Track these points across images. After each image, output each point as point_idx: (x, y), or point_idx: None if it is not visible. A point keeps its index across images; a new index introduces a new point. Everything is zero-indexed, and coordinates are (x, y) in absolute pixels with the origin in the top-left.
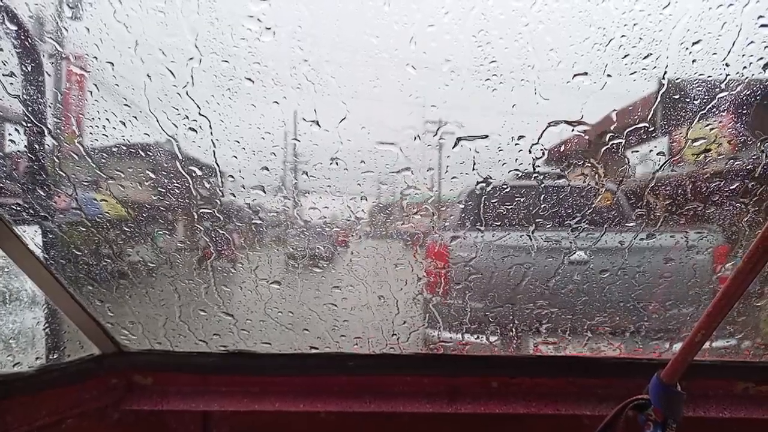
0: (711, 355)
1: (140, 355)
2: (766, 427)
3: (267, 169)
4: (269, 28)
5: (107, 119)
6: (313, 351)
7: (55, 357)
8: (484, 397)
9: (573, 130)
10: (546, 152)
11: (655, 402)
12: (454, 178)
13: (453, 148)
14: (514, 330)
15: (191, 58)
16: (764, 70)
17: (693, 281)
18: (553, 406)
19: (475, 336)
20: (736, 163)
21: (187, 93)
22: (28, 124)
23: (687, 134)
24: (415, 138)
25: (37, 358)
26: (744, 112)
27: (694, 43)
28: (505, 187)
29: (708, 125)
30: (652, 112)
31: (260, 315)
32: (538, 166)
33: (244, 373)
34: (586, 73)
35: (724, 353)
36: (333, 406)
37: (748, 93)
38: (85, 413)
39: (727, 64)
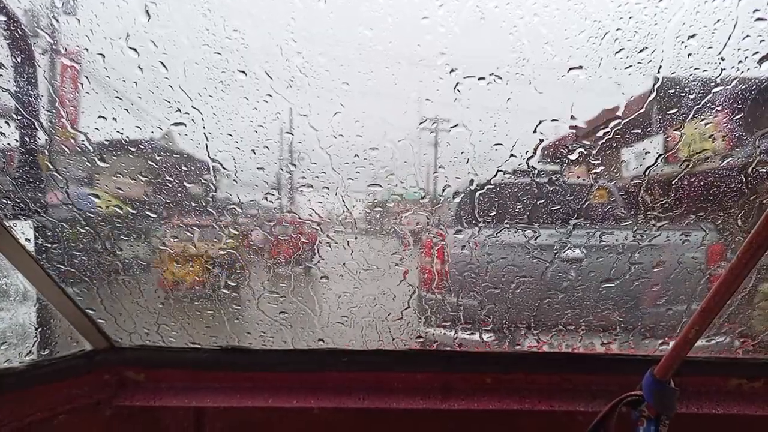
0: (704, 351)
1: (132, 350)
2: (758, 423)
3: (260, 163)
4: (262, 20)
5: (99, 112)
6: (307, 347)
7: (46, 353)
8: (477, 393)
9: (568, 125)
10: (541, 148)
11: (649, 398)
12: (448, 174)
13: (448, 143)
14: (507, 326)
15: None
16: (759, 65)
17: (687, 278)
18: (547, 402)
19: (469, 332)
20: (731, 159)
21: (179, 85)
22: (19, 117)
23: (682, 130)
24: (409, 133)
25: (28, 354)
26: (739, 107)
27: (689, 37)
28: (499, 183)
29: (703, 120)
30: (646, 107)
31: (253, 311)
32: (533, 163)
33: (236, 369)
34: (581, 67)
35: (717, 350)
36: (326, 402)
37: (743, 88)
38: (77, 409)
39: (722, 58)
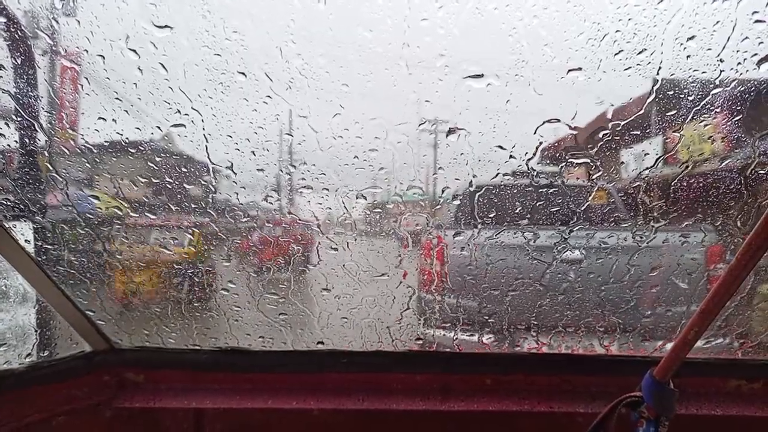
0: (703, 353)
1: (132, 352)
2: (758, 424)
3: (259, 165)
4: (262, 22)
5: (98, 113)
6: (306, 348)
7: (45, 354)
8: (477, 395)
9: (568, 127)
10: (540, 150)
11: (648, 399)
12: (448, 175)
13: (447, 145)
14: (507, 327)
15: None
16: (758, 66)
17: (686, 279)
18: (547, 403)
19: (469, 333)
20: (730, 160)
21: (179, 87)
22: (19, 119)
23: (681, 131)
24: (408, 135)
25: (27, 355)
26: (738, 109)
27: (688, 39)
28: (499, 185)
29: (702, 122)
30: (646, 109)
31: (253, 312)
32: (533, 164)
33: (236, 371)
34: (580, 69)
35: (716, 351)
36: (326, 403)
37: (742, 89)
38: (77, 411)
39: (721, 60)
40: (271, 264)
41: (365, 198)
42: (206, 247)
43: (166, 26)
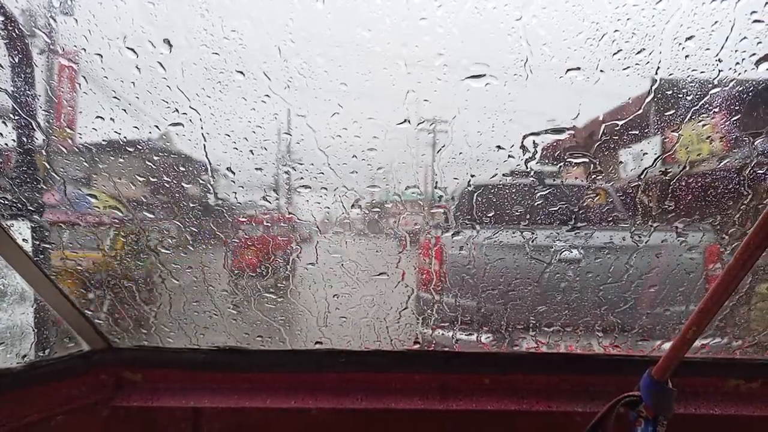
0: (702, 352)
1: (130, 351)
2: (756, 424)
3: (258, 164)
4: (261, 21)
5: (96, 112)
6: (305, 347)
7: (44, 353)
8: (476, 394)
9: (566, 127)
10: (539, 150)
11: (646, 399)
12: (446, 175)
13: (446, 144)
14: (506, 327)
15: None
16: (756, 66)
17: (684, 279)
18: (545, 403)
19: (467, 333)
20: (728, 160)
21: (177, 86)
22: (16, 117)
23: (679, 131)
24: (407, 134)
25: (25, 355)
26: (736, 108)
27: (687, 39)
28: (498, 184)
29: (701, 122)
30: (644, 109)
31: (251, 312)
32: (532, 164)
33: (234, 370)
34: (578, 68)
35: (714, 351)
36: (324, 402)
37: (740, 89)
38: (75, 410)
39: (719, 60)
40: (269, 263)
41: (363, 198)
42: (203, 246)
43: (164, 25)
